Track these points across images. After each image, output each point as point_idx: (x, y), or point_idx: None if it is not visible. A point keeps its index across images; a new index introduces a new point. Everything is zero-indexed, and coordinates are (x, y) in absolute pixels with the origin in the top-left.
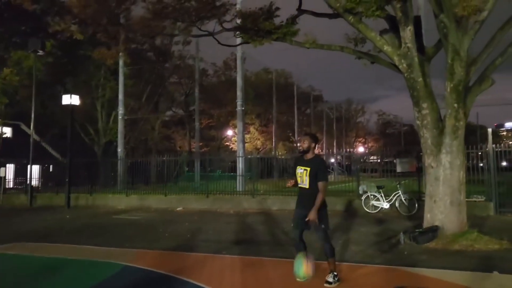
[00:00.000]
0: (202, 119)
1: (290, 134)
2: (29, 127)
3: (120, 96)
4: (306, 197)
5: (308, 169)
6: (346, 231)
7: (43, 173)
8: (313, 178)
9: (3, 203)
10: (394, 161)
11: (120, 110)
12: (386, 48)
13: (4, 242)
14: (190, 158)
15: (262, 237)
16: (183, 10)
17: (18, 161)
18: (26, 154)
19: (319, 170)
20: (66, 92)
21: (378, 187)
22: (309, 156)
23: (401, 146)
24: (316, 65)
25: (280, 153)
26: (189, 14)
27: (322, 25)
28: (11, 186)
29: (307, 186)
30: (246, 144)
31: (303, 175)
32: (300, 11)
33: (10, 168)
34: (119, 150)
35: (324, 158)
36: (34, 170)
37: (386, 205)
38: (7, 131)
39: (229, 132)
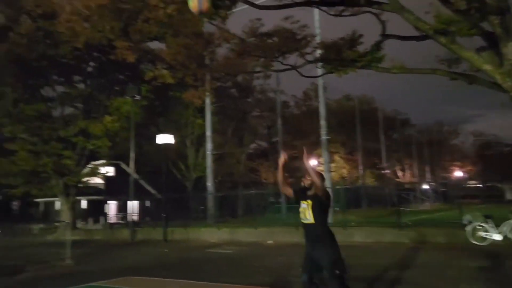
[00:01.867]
0: (285, 150)
1: (377, 161)
2: (128, 166)
3: (208, 133)
4: (312, 233)
5: (311, 202)
6: (455, 268)
7: (141, 208)
8: (318, 210)
9: (108, 238)
10: (499, 185)
11: (208, 146)
12: (486, 67)
13: (112, 276)
14: (276, 190)
15: (365, 273)
16: (265, 47)
17: (119, 198)
18: (126, 191)
19: (321, 205)
20: (160, 132)
21: (486, 217)
22: (313, 191)
23: (505, 169)
24: (398, 87)
25: (367, 182)
26: (271, 50)
27: (404, 47)
28: (114, 221)
29: (312, 221)
30: (332, 173)
31: (305, 210)
32: (385, 36)
33: (113, 205)
34: (208, 184)
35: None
36: (134, 206)
37: (498, 237)
38: (111, 170)
39: (314, 162)
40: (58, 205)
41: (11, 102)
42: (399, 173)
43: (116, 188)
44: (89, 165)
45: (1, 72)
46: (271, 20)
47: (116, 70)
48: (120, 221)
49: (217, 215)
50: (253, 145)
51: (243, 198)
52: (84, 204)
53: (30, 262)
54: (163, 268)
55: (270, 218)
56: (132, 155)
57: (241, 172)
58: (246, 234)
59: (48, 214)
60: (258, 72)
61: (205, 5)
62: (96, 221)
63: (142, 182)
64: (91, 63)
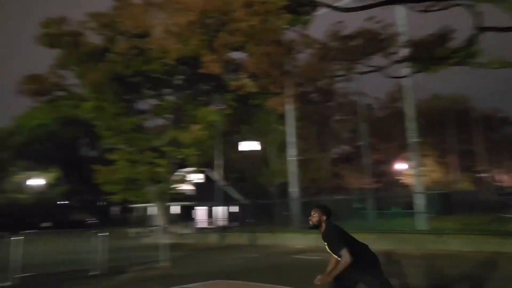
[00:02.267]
0: (371, 154)
1: (473, 164)
2: (215, 173)
3: (291, 139)
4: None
5: (326, 244)
6: None
7: (228, 214)
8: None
9: (198, 242)
10: None
11: (292, 152)
12: None
13: (205, 279)
14: (362, 196)
15: (465, 286)
16: (348, 49)
17: (207, 203)
18: (212, 197)
19: (331, 245)
20: (243, 139)
21: None
22: (322, 229)
23: None
24: (492, 84)
25: (462, 186)
26: (354, 53)
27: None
28: (204, 226)
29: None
30: (423, 178)
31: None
32: (481, 29)
33: (202, 210)
34: (292, 190)
35: None
36: (221, 211)
37: None
38: (201, 177)
39: (401, 166)
40: (151, 210)
41: (111, 116)
42: (499, 176)
43: (205, 194)
44: (179, 173)
45: (102, 89)
46: (353, 22)
47: (201, 81)
48: (209, 226)
49: (302, 221)
50: (336, 150)
51: (328, 204)
52: (175, 209)
53: (130, 263)
54: (252, 272)
55: (357, 224)
56: (218, 162)
57: (324, 178)
58: None
59: (143, 219)
60: (341, 76)
61: None
62: (186, 226)
63: (229, 188)
64: (179, 76)
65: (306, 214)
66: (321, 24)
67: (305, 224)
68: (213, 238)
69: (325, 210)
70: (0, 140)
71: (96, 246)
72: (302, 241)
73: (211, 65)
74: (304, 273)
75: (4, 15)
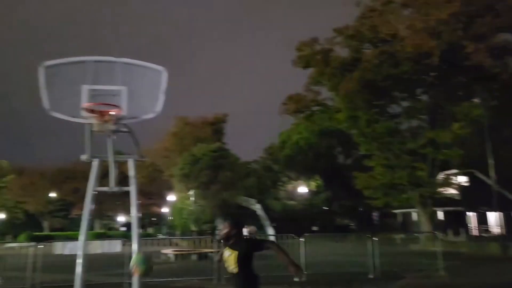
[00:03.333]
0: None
1: None
2: (484, 174)
3: None
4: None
5: (236, 252)
6: None
7: (507, 220)
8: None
9: (473, 251)
10: None
11: None
12: None
13: None
14: None
15: None
16: None
17: (477, 208)
18: (483, 201)
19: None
20: None
21: None
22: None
23: None
24: None
25: None
26: None
27: None
28: (478, 234)
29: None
30: None
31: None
32: None
33: (472, 216)
34: None
35: None
36: (497, 217)
37: None
38: (464, 179)
39: None
40: (415, 216)
41: (364, 123)
42: None
43: (472, 198)
44: (442, 175)
45: (354, 98)
46: None
47: (458, 74)
48: (483, 234)
49: None
50: None
51: None
52: (440, 215)
53: (403, 269)
54: None
55: None
56: (490, 161)
57: None
58: None
59: (406, 225)
60: None
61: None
62: (456, 232)
63: (503, 191)
64: (431, 73)
65: None
66: None
67: None
68: (492, 248)
69: (236, 224)
70: (272, 154)
71: (370, 250)
72: None
73: (476, 54)
74: None
75: (264, 43)
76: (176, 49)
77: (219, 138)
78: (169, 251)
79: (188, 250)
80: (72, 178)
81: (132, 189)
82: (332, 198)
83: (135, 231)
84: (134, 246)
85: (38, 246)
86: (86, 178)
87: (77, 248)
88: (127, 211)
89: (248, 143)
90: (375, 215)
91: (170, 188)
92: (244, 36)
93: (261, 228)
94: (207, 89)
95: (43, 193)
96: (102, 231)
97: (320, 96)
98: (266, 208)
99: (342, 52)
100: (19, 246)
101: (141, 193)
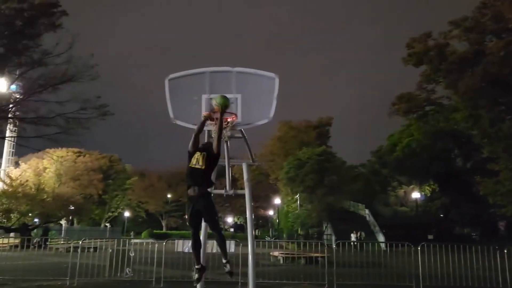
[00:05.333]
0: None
1: None
2: None
3: None
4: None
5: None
6: None
7: None
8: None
9: None
10: None
11: None
12: None
13: None
14: None
15: None
16: None
17: None
18: None
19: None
20: None
21: None
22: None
23: None
24: None
25: None
26: None
27: None
28: None
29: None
30: None
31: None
32: None
33: None
34: None
35: None
36: None
37: None
38: None
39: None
40: None
41: (487, 123)
42: None
43: None
44: None
45: (476, 95)
46: None
47: None
48: None
49: None
50: None
51: None
52: None
53: None
54: None
55: None
56: None
57: None
58: None
59: None
60: None
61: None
62: None
63: None
64: None
65: None
66: None
67: None
68: None
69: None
70: (381, 157)
71: (499, 263)
72: None
73: None
74: None
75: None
76: (280, 54)
77: (324, 142)
78: (277, 253)
79: (297, 254)
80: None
81: (247, 192)
82: (449, 205)
83: (250, 232)
84: (250, 247)
85: (161, 244)
86: None
87: None
88: (234, 213)
89: (354, 146)
90: (501, 224)
91: (275, 192)
92: (347, 37)
93: (370, 234)
94: (310, 92)
95: (161, 194)
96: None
97: (434, 95)
98: (375, 214)
99: (459, 46)
100: (143, 242)
101: None
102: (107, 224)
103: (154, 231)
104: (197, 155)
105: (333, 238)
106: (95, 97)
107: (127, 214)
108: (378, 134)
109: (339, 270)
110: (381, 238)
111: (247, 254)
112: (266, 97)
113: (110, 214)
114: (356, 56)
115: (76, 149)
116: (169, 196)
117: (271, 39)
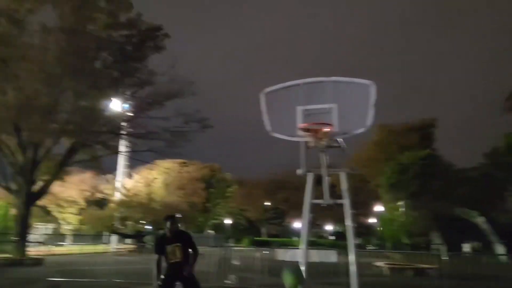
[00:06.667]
0: None
1: None
2: None
3: None
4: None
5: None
6: None
7: None
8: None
9: None
10: None
11: None
12: None
13: None
14: None
15: None
16: None
17: None
18: None
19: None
20: None
21: None
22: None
23: None
24: None
25: None
26: None
27: None
28: None
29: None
30: None
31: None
32: None
33: None
34: None
35: None
36: None
37: None
38: None
39: None
40: None
41: None
42: None
43: None
44: None
45: None
46: None
47: None
48: None
49: None
50: None
51: None
52: None
53: None
54: None
55: None
56: None
57: None
58: None
59: None
60: None
61: None
62: None
63: None
64: None
65: None
66: None
67: None
68: None
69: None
70: (494, 159)
71: None
72: None
73: None
74: None
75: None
76: (380, 57)
77: (428, 145)
78: (382, 264)
79: (404, 264)
80: (283, 188)
81: (346, 201)
82: None
83: (351, 242)
84: (351, 257)
85: (263, 252)
86: (295, 188)
87: (296, 255)
88: (335, 220)
89: (463, 149)
90: None
91: (376, 198)
92: (449, 31)
93: (486, 244)
94: (412, 94)
95: (260, 201)
96: (312, 239)
97: None
98: (491, 222)
99: None
100: (246, 249)
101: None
102: (210, 231)
103: (255, 238)
104: (171, 248)
105: (444, 248)
106: (195, 111)
107: (229, 221)
108: (493, 134)
109: (452, 283)
110: (500, 249)
111: (347, 264)
112: (363, 105)
113: (213, 221)
114: (465, 50)
115: (180, 160)
116: (267, 203)
117: (367, 37)
